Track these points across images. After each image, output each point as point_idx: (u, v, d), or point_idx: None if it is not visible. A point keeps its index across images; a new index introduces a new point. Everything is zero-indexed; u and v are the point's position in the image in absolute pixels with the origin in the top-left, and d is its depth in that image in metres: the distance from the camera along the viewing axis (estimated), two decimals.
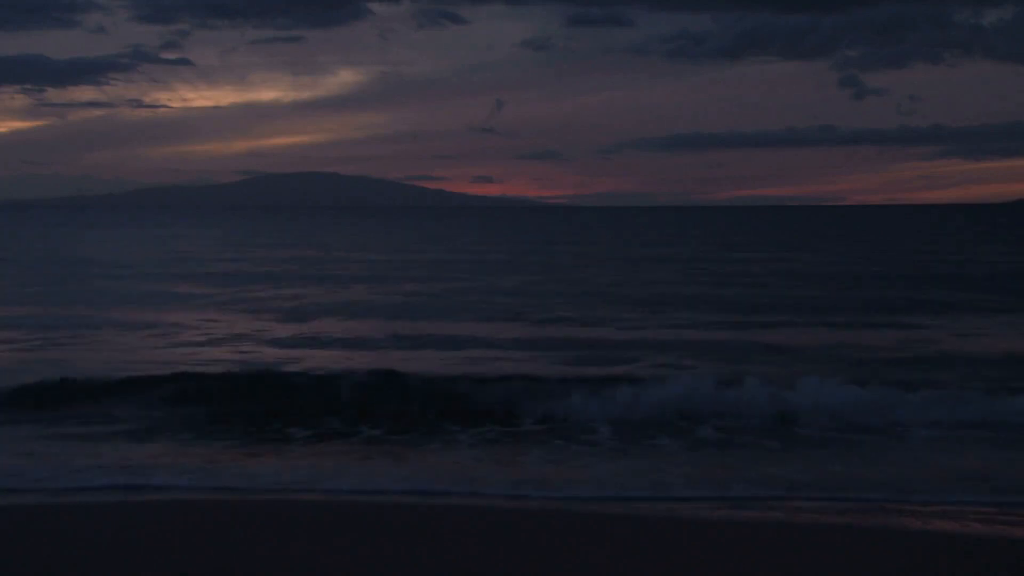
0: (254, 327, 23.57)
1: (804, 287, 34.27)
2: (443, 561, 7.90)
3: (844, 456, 12.17)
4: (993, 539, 8.83)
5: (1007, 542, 8.79)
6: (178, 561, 7.85)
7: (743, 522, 9.37)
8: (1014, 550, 8.58)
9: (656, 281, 37.43)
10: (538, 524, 9.08)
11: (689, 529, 9.06)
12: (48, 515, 9.48)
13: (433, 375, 15.97)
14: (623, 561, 7.95)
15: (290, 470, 11.53)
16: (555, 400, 14.29)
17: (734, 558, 8.06)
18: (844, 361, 18.20)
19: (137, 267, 44.69)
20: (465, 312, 26.45)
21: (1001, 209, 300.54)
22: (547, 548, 8.29)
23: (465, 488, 10.61)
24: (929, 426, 13.33)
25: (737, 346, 20.27)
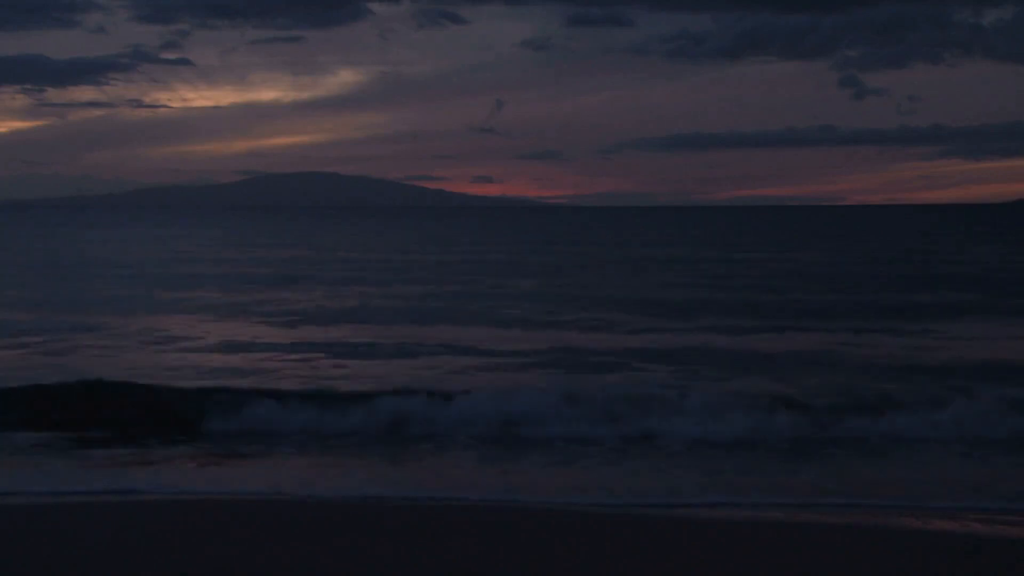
0: (251, 334, 23.05)
1: (806, 291, 34.11)
2: (443, 561, 7.90)
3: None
4: (993, 539, 8.84)
5: (1007, 542, 8.79)
6: (178, 561, 7.84)
7: (743, 522, 9.37)
8: (1014, 550, 8.59)
9: (666, 284, 37.38)
10: (538, 524, 9.08)
11: (689, 529, 9.06)
12: (48, 515, 9.48)
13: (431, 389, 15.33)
14: (623, 561, 7.95)
15: (285, 469, 11.56)
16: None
17: (734, 558, 8.06)
18: (840, 366, 18.04)
19: (135, 270, 44.49)
20: (465, 318, 25.87)
21: (1001, 209, 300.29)
22: (547, 548, 8.29)
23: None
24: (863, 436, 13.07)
25: (724, 353, 19.73)
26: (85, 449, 12.76)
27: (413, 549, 8.18)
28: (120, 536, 8.61)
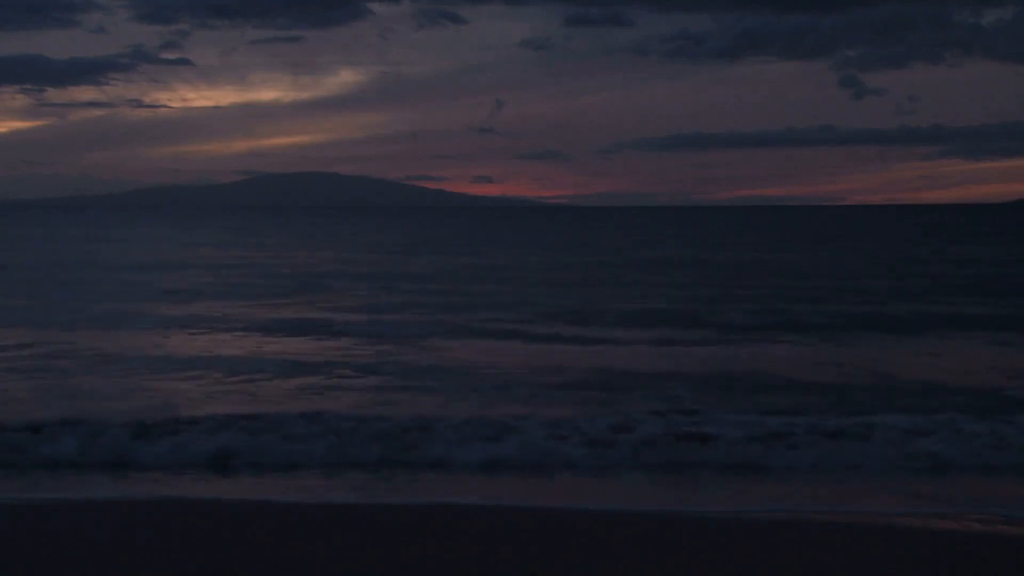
0: (244, 348, 21.29)
1: (806, 297, 33.84)
2: (443, 561, 7.90)
3: None
4: (993, 539, 8.83)
5: (1007, 542, 8.79)
6: (178, 561, 7.85)
7: (743, 522, 9.37)
8: (1014, 550, 8.58)
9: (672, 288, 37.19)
10: (538, 524, 9.08)
11: (689, 529, 9.06)
12: (48, 515, 9.47)
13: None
14: (623, 561, 7.95)
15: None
16: None
17: (734, 558, 8.06)
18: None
19: (133, 273, 44.32)
20: (465, 328, 24.20)
21: (1001, 209, 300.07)
22: (547, 548, 8.29)
23: None
24: None
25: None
26: None
27: (413, 549, 8.19)
28: (120, 536, 8.61)
